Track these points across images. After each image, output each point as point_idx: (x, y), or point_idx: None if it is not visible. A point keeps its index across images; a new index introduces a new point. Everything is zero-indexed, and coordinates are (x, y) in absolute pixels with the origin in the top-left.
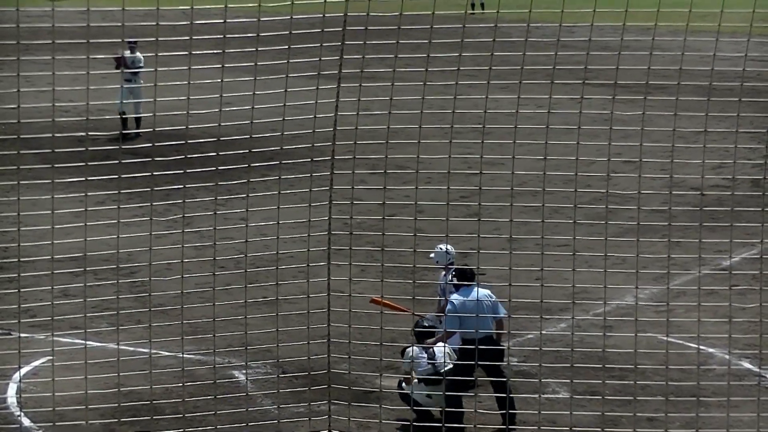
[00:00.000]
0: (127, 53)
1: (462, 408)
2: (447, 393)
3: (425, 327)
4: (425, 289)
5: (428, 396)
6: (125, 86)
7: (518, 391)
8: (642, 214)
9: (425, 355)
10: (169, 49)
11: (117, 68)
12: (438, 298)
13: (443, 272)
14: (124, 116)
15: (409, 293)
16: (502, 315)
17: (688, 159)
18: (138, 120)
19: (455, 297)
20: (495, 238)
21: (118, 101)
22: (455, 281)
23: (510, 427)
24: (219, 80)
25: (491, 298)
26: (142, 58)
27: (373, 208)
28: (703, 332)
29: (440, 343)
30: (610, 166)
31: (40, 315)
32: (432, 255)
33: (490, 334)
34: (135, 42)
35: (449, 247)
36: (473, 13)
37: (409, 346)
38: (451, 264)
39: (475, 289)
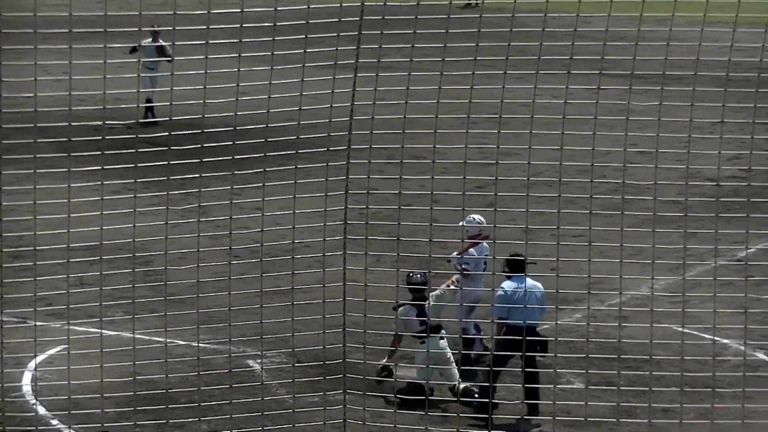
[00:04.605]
0: (148, 41)
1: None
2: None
3: (417, 282)
4: (440, 280)
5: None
6: (149, 75)
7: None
8: (658, 204)
9: (415, 314)
10: (185, 39)
11: (132, 52)
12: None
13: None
14: (150, 104)
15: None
16: (547, 309)
17: (705, 150)
18: (153, 109)
19: (506, 285)
20: (510, 228)
21: (144, 89)
22: (506, 270)
23: (531, 416)
24: (235, 70)
25: (540, 290)
26: (168, 47)
27: (389, 198)
28: (718, 323)
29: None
30: (626, 157)
31: (55, 303)
32: (463, 223)
33: (535, 326)
34: (159, 31)
35: (481, 218)
36: (470, 5)
37: (404, 304)
38: (479, 236)
39: (526, 279)
